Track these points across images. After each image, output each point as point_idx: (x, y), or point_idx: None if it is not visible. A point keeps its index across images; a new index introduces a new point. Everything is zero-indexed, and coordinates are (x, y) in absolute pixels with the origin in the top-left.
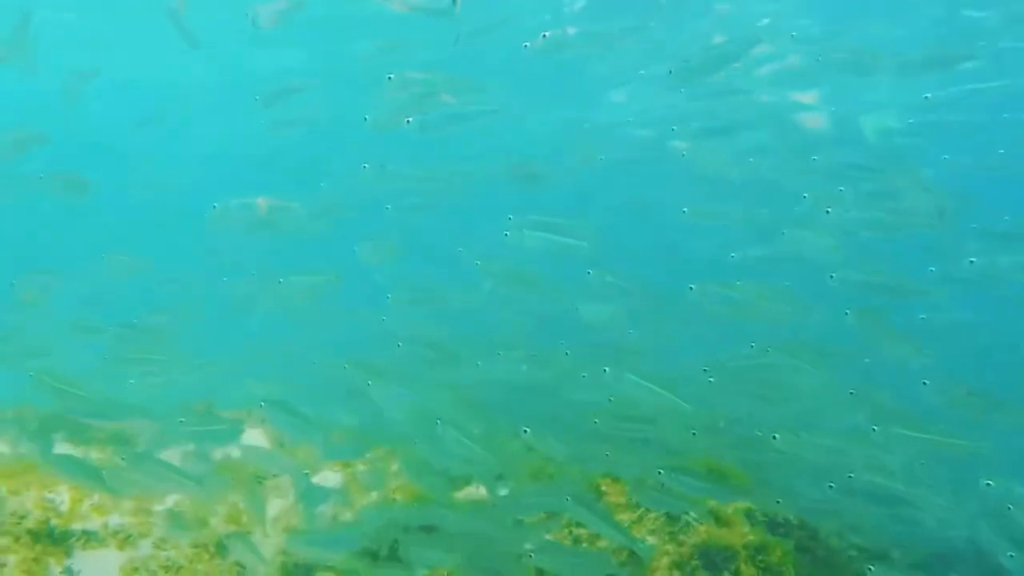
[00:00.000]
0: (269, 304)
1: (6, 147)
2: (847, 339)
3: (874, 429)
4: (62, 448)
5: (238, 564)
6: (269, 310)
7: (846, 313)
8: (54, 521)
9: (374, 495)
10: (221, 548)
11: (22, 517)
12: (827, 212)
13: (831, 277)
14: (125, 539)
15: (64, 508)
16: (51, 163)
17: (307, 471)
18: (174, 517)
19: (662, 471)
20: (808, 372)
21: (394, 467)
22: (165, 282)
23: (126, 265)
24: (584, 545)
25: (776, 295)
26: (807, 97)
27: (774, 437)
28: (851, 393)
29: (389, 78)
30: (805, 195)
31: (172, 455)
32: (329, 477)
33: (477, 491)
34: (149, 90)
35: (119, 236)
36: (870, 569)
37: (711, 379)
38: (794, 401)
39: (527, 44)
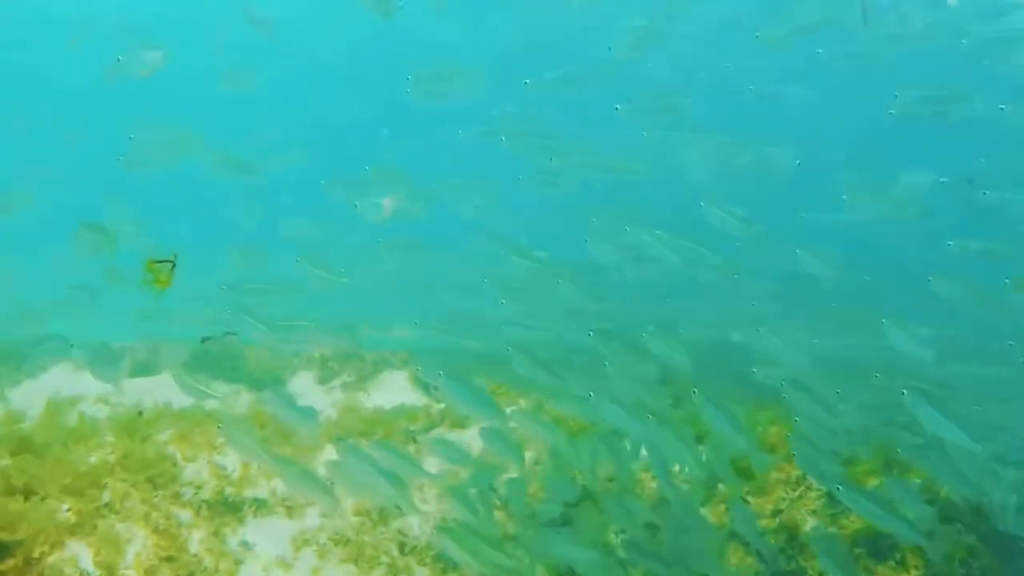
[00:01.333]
0: None
1: None
2: None
3: None
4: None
5: (400, 532)
6: None
7: None
8: (228, 489)
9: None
10: (383, 516)
11: (199, 487)
12: None
13: None
14: (292, 507)
15: (235, 474)
16: None
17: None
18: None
19: None
20: None
21: None
22: None
23: None
24: None
25: None
26: None
27: None
28: None
29: None
30: None
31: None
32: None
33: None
34: None
35: None
36: None
37: None
38: None
39: None
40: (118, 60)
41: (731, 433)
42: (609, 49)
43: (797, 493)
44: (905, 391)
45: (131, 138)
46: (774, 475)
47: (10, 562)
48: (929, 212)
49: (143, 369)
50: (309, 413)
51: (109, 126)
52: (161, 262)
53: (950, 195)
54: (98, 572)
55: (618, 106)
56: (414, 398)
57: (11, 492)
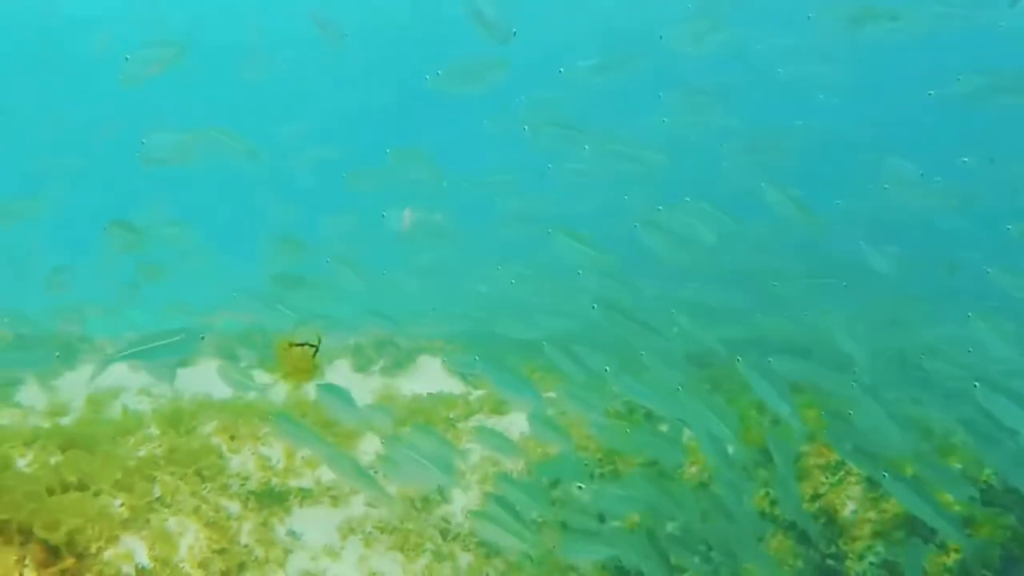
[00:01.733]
0: None
1: None
2: None
3: None
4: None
5: (443, 520)
6: None
7: None
8: (274, 480)
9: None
10: (427, 503)
11: (245, 479)
12: None
13: None
14: (338, 496)
15: (280, 465)
16: None
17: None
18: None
19: None
20: None
21: None
22: None
23: None
24: None
25: None
26: None
27: None
28: None
29: None
30: None
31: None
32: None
33: None
34: None
35: None
36: None
37: None
38: None
39: None
40: (125, 59)
41: (777, 401)
42: (660, 38)
43: (837, 478)
44: (977, 383)
45: (143, 142)
46: (813, 460)
47: (68, 559)
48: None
49: (182, 361)
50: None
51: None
52: (300, 345)
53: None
54: (154, 566)
55: (661, 94)
56: (451, 385)
57: (65, 488)
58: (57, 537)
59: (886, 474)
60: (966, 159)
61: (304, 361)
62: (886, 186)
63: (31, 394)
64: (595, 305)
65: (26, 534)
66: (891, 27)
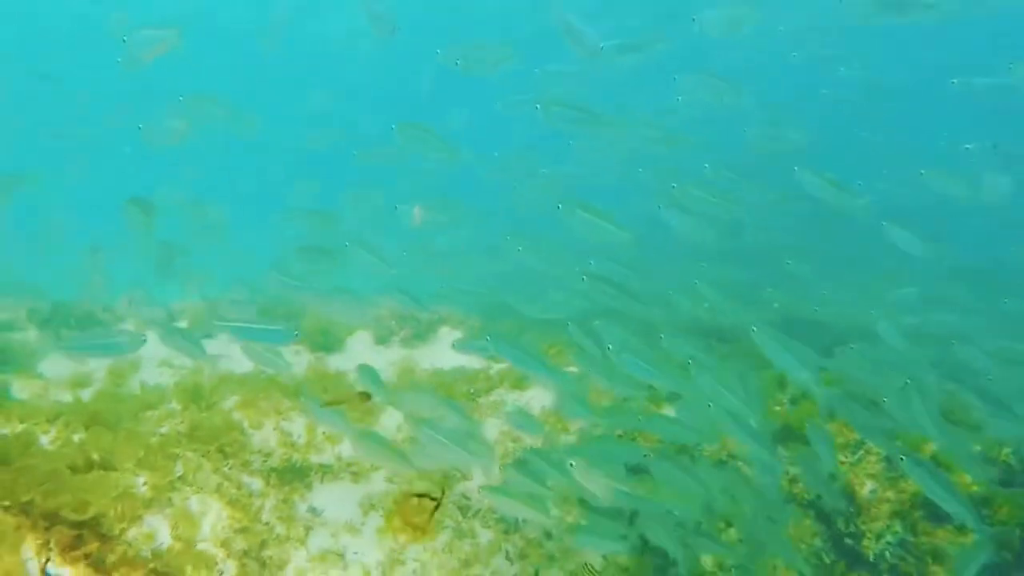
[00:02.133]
0: None
1: None
2: None
3: None
4: None
5: (463, 496)
6: None
7: None
8: (295, 456)
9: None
10: (447, 480)
11: (267, 455)
12: None
13: None
14: (358, 472)
15: (301, 440)
16: None
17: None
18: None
19: None
20: None
21: None
22: None
23: None
24: None
25: None
26: None
27: None
28: None
29: None
30: None
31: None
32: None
33: None
34: None
35: None
36: None
37: None
38: None
39: None
40: (123, 41)
41: (796, 367)
42: (693, 20)
43: (856, 457)
44: None
45: (139, 127)
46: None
47: (92, 543)
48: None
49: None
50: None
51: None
52: (421, 497)
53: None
54: (177, 545)
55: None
56: (471, 360)
57: (89, 467)
58: (82, 519)
59: (904, 457)
60: (969, 146)
61: (421, 515)
62: (922, 171)
63: (52, 365)
64: (584, 277)
65: (50, 518)
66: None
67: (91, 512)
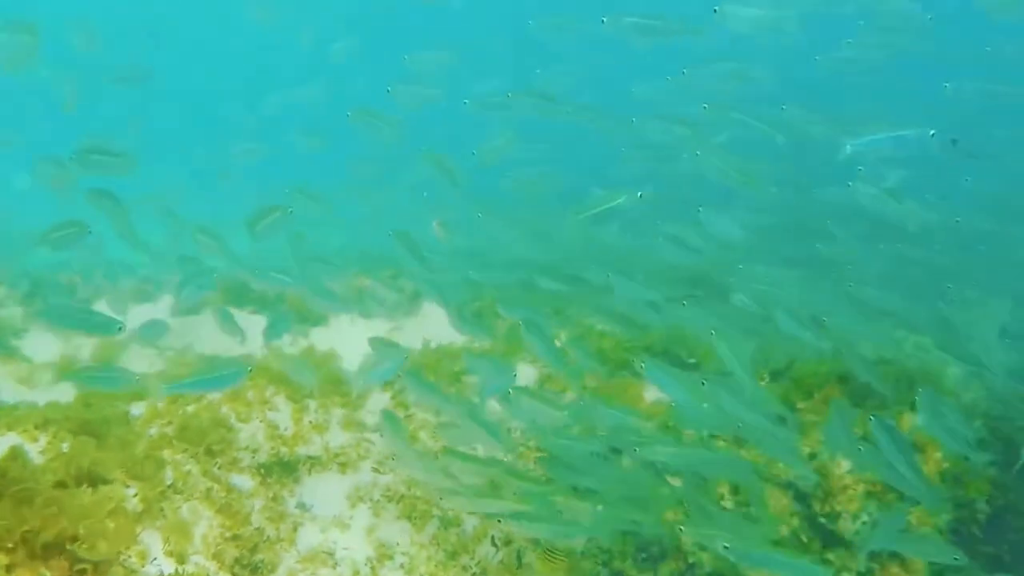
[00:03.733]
0: None
1: None
2: None
3: None
4: None
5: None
6: None
7: None
8: (283, 449)
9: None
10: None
11: (255, 451)
12: None
13: None
14: (346, 463)
15: (288, 432)
16: None
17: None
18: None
19: None
20: None
21: None
22: None
23: None
24: None
25: None
26: None
27: None
28: None
29: None
30: None
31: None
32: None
33: None
34: None
35: None
36: None
37: None
38: None
39: None
40: None
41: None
42: (715, 11)
43: None
44: None
45: None
46: (810, 417)
47: (89, 571)
48: None
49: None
50: None
51: None
52: (550, 553)
53: None
54: (170, 562)
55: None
56: (455, 334)
57: (79, 481)
58: (87, 553)
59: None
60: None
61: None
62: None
63: (35, 343)
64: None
65: (48, 549)
66: None
67: (101, 549)
